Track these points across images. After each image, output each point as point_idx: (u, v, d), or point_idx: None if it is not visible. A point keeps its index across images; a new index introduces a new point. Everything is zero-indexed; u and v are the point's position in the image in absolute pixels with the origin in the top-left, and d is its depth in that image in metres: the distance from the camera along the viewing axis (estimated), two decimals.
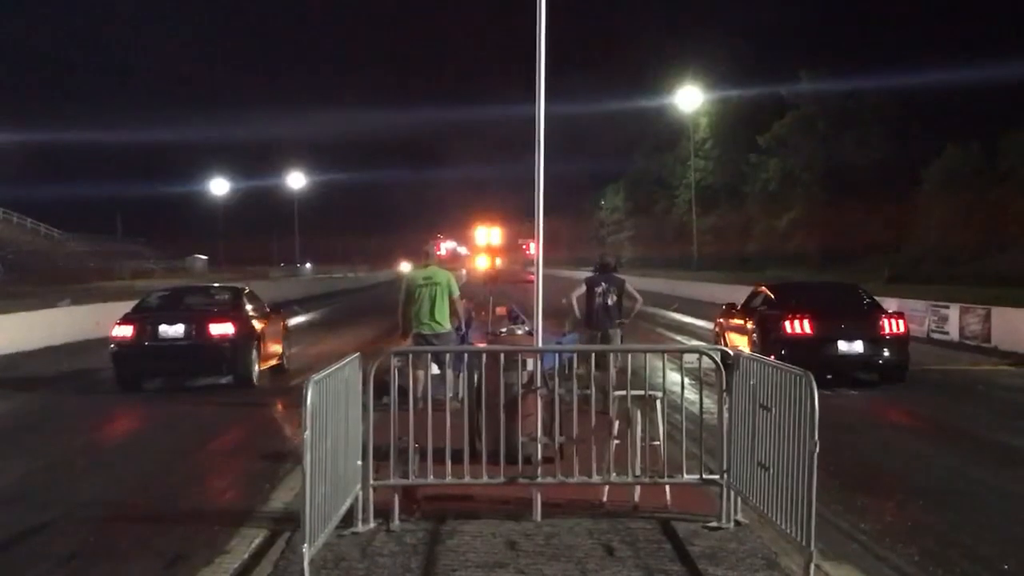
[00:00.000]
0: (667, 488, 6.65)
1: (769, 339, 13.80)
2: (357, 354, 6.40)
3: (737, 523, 6.29)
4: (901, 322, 14.16)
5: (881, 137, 60.12)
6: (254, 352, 14.12)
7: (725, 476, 6.36)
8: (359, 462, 6.25)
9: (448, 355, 8.41)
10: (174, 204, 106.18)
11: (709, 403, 6.81)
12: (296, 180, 79.31)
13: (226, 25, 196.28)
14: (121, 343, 13.78)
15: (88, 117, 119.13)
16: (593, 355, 7.71)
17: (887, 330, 13.80)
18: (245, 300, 15.02)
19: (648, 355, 7.23)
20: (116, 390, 13.79)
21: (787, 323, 13.71)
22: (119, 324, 13.99)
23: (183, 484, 8.36)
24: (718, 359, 6.49)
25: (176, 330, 13.79)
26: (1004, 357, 17.96)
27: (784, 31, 67.43)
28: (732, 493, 6.32)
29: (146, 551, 6.33)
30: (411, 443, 6.31)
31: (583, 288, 11.61)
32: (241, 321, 14.08)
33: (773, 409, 5.64)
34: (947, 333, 21.56)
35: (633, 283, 12.35)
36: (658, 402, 6.95)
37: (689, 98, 64.71)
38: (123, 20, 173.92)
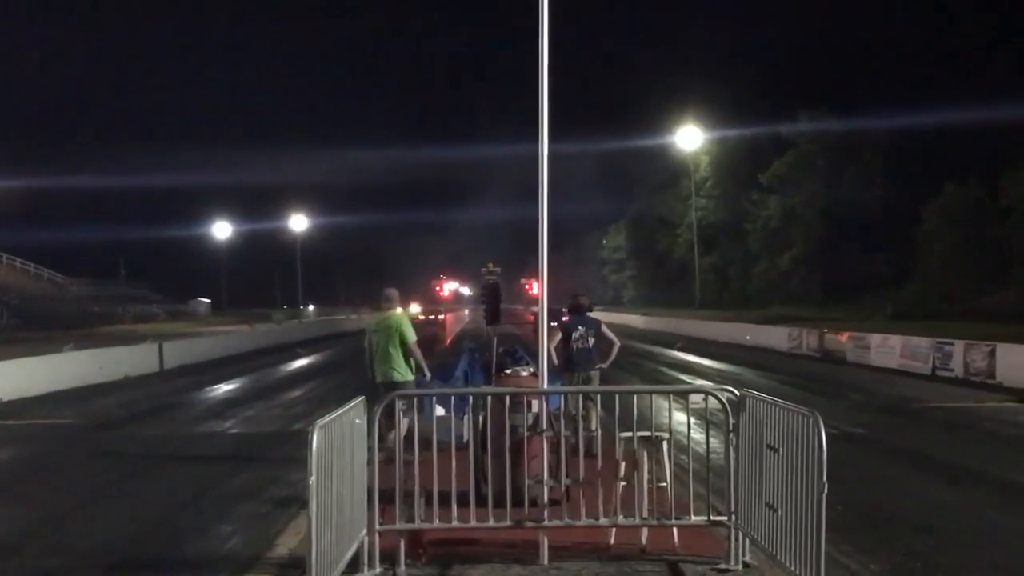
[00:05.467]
0: (675, 530, 6.60)
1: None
2: (362, 398, 6.37)
3: (746, 565, 6.24)
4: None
5: (881, 175, 60.49)
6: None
7: (733, 517, 6.32)
8: (364, 506, 6.20)
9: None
10: (177, 248, 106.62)
11: (716, 443, 6.79)
12: (299, 223, 79.43)
13: (227, 70, 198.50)
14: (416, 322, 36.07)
15: (91, 162, 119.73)
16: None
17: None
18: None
19: (654, 395, 7.21)
20: (121, 435, 14.23)
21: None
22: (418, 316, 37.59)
23: (187, 529, 8.30)
24: (724, 399, 6.46)
25: None
26: (1009, 393, 17.95)
27: (783, 71, 68.04)
28: (740, 534, 6.28)
29: None
30: (416, 486, 6.27)
31: (558, 336, 10.84)
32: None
33: (780, 449, 5.62)
34: (952, 370, 21.54)
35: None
36: (664, 443, 6.92)
37: (690, 137, 65.14)
38: (124, 66, 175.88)
